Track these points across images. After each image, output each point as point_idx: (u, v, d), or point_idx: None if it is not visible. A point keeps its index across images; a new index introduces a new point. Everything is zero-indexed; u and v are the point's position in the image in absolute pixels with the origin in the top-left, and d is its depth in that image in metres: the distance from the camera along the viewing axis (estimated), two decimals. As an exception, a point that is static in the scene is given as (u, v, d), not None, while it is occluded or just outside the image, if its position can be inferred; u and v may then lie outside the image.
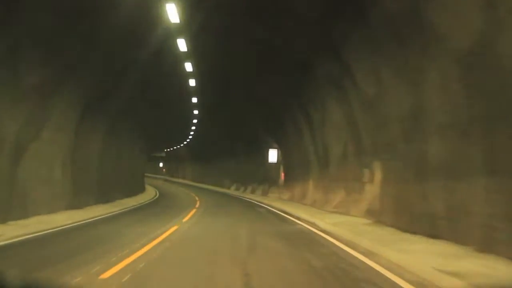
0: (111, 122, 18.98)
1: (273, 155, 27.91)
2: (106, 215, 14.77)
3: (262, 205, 21.92)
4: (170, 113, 26.71)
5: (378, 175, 11.10)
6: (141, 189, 32.20)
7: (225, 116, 28.79)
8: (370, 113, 11.36)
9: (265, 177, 30.61)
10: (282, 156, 26.63)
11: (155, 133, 31.25)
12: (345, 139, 14.04)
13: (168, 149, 56.06)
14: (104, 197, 18.83)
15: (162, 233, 9.62)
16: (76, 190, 15.31)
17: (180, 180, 58.96)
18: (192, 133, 37.24)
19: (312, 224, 11.80)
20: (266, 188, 30.38)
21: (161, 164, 69.01)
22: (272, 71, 17.05)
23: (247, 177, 34.70)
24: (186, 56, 15.19)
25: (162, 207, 21.34)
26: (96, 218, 13.59)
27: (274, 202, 22.39)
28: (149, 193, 32.44)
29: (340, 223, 11.09)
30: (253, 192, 32.81)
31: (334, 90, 13.74)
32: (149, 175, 60.94)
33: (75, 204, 14.96)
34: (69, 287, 4.91)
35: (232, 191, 37.11)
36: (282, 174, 26.94)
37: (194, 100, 23.01)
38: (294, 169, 22.79)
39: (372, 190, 11.63)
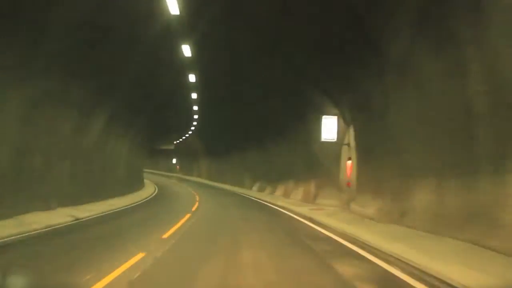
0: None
1: (330, 128, 14.47)
2: None
3: (328, 235, 8.81)
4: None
5: None
6: (132, 189, 23.64)
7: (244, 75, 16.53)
8: None
9: (310, 170, 17.33)
10: (353, 125, 13.06)
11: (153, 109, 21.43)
12: None
13: (178, 141, 44.29)
14: (30, 204, 10.50)
15: None
16: None
17: (194, 179, 47.74)
18: (200, 116, 26.68)
19: None
20: (311, 189, 17.13)
21: (174, 161, 58.71)
22: None
23: (277, 171, 22.16)
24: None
25: (112, 227, 10.52)
26: None
27: (359, 227, 9.17)
28: (140, 195, 22.73)
29: None
30: (286, 195, 19.83)
31: None
32: (162, 172, 54.28)
33: None
34: None
35: (254, 192, 24.92)
36: (349, 163, 13.55)
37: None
38: (399, 148, 9.41)
39: None
